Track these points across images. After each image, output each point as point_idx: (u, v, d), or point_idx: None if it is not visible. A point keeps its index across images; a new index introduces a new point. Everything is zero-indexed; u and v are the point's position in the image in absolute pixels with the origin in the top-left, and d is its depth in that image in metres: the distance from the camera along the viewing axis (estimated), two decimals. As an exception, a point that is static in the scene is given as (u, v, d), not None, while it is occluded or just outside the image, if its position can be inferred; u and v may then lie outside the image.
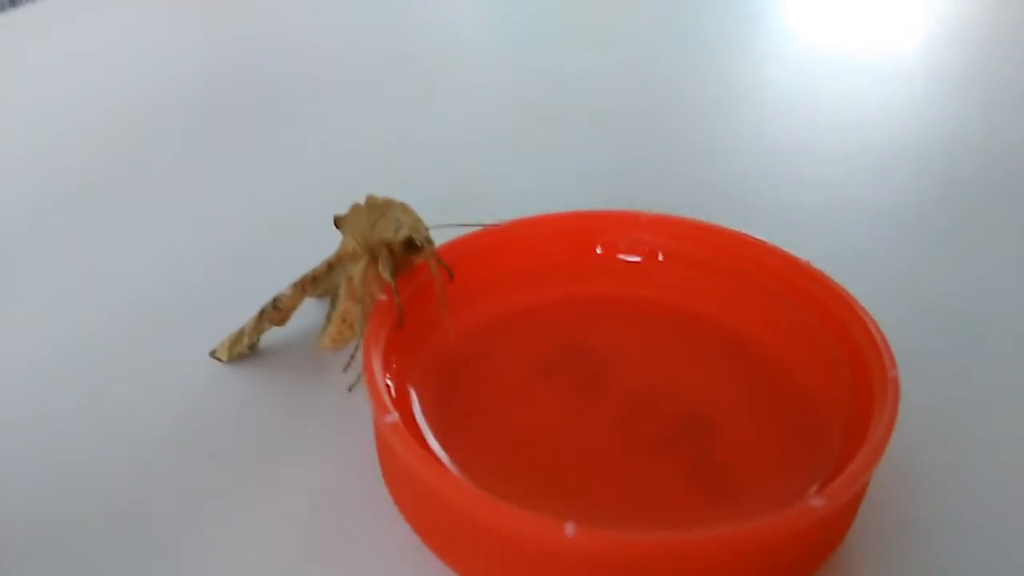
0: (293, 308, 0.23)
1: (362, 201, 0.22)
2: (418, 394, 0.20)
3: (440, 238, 0.22)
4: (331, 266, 0.22)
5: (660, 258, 0.23)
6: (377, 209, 0.21)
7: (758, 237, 0.23)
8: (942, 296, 0.26)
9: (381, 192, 0.22)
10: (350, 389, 0.22)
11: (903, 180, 0.33)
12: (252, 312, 0.23)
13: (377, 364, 0.19)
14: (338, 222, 0.22)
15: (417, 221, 0.21)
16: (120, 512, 0.19)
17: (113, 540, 0.18)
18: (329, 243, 0.22)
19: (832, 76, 0.42)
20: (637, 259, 0.24)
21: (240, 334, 0.23)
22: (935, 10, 0.53)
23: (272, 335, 0.23)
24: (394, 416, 0.17)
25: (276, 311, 0.22)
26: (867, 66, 0.44)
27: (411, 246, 0.20)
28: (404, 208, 0.21)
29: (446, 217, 0.22)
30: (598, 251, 0.24)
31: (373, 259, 0.21)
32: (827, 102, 0.40)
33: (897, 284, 0.26)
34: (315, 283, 0.22)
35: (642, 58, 0.45)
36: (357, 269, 0.21)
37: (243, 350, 0.23)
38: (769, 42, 0.48)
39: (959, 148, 0.35)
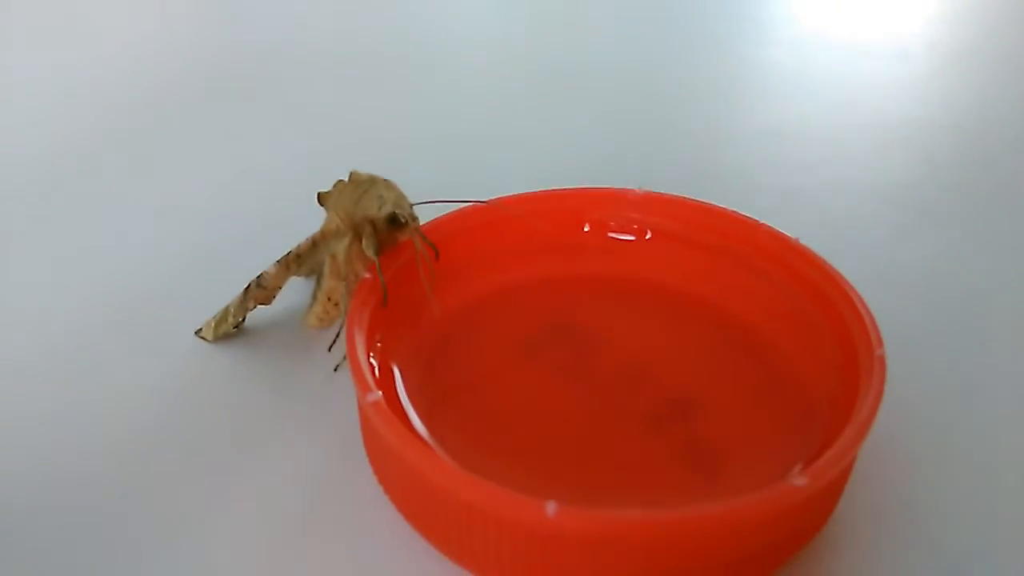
0: (278, 287, 0.22)
1: (346, 178, 0.21)
2: (402, 373, 0.20)
3: (426, 216, 0.21)
4: (315, 243, 0.21)
5: (648, 236, 0.23)
6: (360, 185, 0.21)
7: (747, 215, 0.22)
8: (936, 278, 0.26)
9: (366, 170, 0.21)
10: (336, 369, 0.22)
11: (900, 162, 0.33)
12: (238, 291, 0.23)
13: (361, 343, 0.19)
14: (321, 199, 0.22)
15: (401, 197, 0.20)
16: (104, 491, 0.19)
17: (98, 518, 0.18)
18: (315, 224, 0.22)
19: (830, 57, 0.42)
20: (625, 237, 0.23)
21: (225, 313, 0.23)
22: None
23: (258, 314, 0.23)
24: (377, 395, 0.17)
25: (261, 289, 0.22)
26: (866, 47, 0.43)
27: (395, 222, 0.20)
28: (388, 184, 0.21)
29: (432, 195, 0.22)
30: (586, 229, 0.24)
31: (357, 236, 0.21)
32: (825, 83, 0.39)
33: (892, 265, 0.26)
34: (299, 260, 0.22)
35: (638, 39, 0.45)
36: (341, 246, 0.21)
37: (228, 329, 0.23)
38: (767, 23, 0.48)
39: (956, 130, 0.35)
